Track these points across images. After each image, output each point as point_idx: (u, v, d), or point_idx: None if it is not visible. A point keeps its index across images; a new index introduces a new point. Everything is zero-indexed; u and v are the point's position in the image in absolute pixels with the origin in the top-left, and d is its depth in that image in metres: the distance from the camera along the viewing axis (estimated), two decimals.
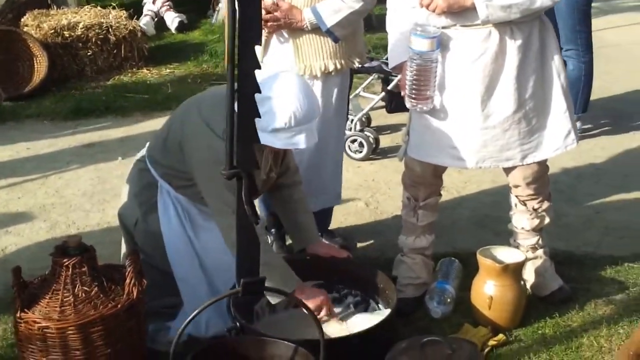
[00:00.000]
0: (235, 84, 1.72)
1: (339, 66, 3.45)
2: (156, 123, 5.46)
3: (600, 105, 5.71)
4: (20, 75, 6.27)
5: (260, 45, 1.70)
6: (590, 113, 5.36)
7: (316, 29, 3.37)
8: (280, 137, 2.77)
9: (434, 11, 2.92)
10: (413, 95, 3.00)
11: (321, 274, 3.20)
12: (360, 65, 3.64)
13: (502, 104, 3.03)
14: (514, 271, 3.13)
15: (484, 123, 3.05)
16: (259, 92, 1.70)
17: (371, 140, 4.97)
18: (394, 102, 5.01)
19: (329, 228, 3.91)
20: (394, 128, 5.45)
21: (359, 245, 3.93)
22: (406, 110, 5.03)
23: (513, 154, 3.12)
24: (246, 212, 1.73)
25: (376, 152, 5.03)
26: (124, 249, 3.26)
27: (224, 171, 1.73)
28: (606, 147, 5.14)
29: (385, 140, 5.22)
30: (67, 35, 6.32)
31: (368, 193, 4.54)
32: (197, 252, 3.07)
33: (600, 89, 5.52)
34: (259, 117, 1.75)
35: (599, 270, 3.63)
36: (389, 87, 5.01)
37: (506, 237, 3.56)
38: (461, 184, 4.53)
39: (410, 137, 3.20)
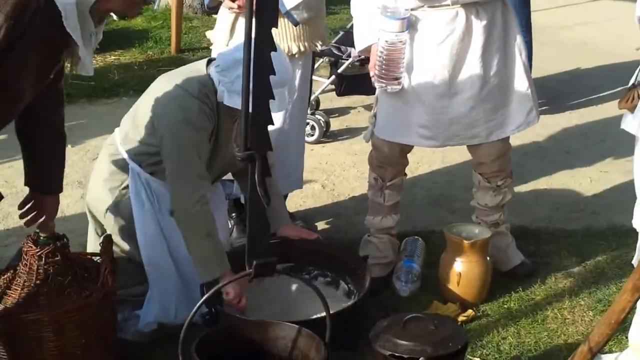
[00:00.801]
0: None
1: (302, 49, 3.45)
2: (103, 109, 5.39)
3: (537, 85, 5.81)
4: None
5: (277, 27, 1.69)
6: None
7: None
8: None
9: None
10: (382, 76, 3.02)
11: (291, 256, 3.20)
12: (322, 49, 3.65)
13: (468, 83, 3.08)
14: (482, 247, 3.19)
15: (451, 101, 3.10)
16: (274, 74, 1.69)
17: (322, 123, 4.99)
18: (344, 85, 5.05)
19: (289, 211, 3.91)
20: (342, 111, 5.49)
21: (319, 227, 3.95)
22: (356, 93, 5.16)
23: (479, 132, 3.17)
24: (259, 194, 1.72)
25: (327, 135, 5.06)
26: (91, 238, 3.19)
27: (239, 153, 1.71)
28: (547, 126, 5.27)
29: (335, 123, 5.25)
30: None
31: (323, 175, 4.56)
32: (166, 237, 3.03)
33: (535, 70, 5.65)
34: (274, 98, 1.74)
35: (555, 243, 3.74)
36: (339, 71, 5.04)
37: (461, 214, 3.62)
38: (414, 165, 4.57)
39: (378, 118, 3.22)
